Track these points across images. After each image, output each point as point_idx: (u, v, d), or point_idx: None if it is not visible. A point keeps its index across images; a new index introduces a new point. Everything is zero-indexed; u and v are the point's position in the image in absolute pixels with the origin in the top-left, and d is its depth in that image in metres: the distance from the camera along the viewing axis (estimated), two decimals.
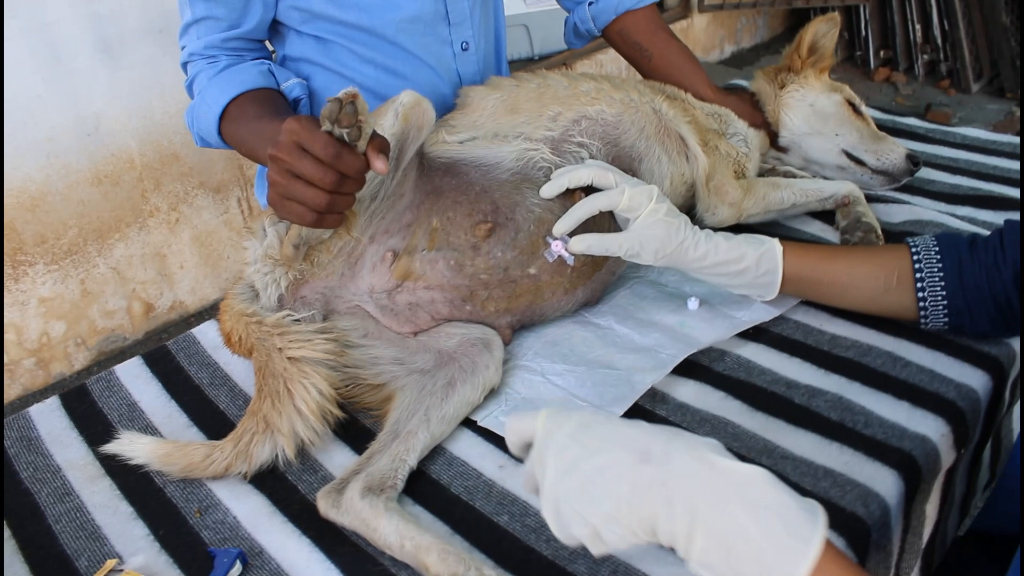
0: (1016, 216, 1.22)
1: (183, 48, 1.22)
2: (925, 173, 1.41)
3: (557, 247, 1.04)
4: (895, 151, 1.34)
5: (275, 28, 1.25)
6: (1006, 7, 4.14)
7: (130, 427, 1.03)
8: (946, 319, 1.00)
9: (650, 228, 1.03)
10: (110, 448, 0.95)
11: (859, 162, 1.36)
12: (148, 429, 1.03)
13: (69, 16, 2.56)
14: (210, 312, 3.21)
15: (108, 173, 2.79)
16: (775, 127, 1.41)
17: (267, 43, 1.28)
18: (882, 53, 4.54)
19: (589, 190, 1.07)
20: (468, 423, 0.98)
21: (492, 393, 1.01)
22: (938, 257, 1.00)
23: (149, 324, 3.10)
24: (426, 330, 1.07)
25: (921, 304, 1.01)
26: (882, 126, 1.60)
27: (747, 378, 1.00)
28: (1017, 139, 1.53)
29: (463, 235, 1.05)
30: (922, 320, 1.02)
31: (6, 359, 2.77)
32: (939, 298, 1.00)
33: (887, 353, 1.02)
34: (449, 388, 0.98)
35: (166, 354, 1.15)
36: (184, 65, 1.22)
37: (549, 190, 1.07)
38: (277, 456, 0.93)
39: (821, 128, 1.38)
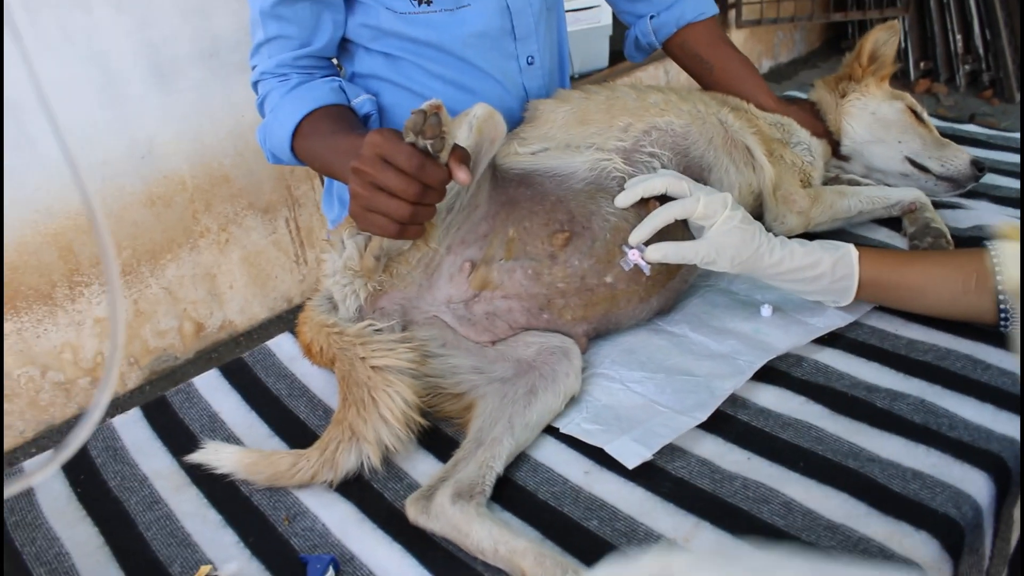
0: None
1: (253, 68, 1.24)
2: (989, 178, 1.40)
3: (634, 256, 1.05)
4: (959, 157, 1.34)
5: (344, 46, 1.28)
6: None
7: (213, 437, 1.05)
8: None
9: (726, 235, 1.03)
10: (195, 458, 0.97)
11: (923, 169, 1.35)
12: (230, 439, 1.04)
13: (124, 43, 2.63)
14: (259, 331, 3.25)
15: (160, 195, 2.84)
16: (837, 136, 1.41)
17: (335, 60, 1.30)
18: (922, 64, 4.51)
19: (663, 199, 1.08)
20: (550, 430, 0.99)
21: (572, 401, 1.01)
22: (1021, 256, 0.99)
23: (200, 343, 3.14)
24: (504, 339, 1.07)
25: (1002, 307, 1.00)
26: (944, 133, 1.60)
27: (827, 383, 1.00)
28: None
29: (540, 244, 1.06)
30: (1003, 324, 1.01)
31: (63, 378, 2.82)
32: (1020, 303, 0.99)
33: (966, 356, 1.01)
34: (531, 396, 0.98)
35: (243, 366, 1.17)
36: (255, 84, 1.25)
37: (624, 199, 1.07)
38: (362, 464, 0.94)
39: (884, 136, 1.38)
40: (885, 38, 1.42)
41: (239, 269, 3.13)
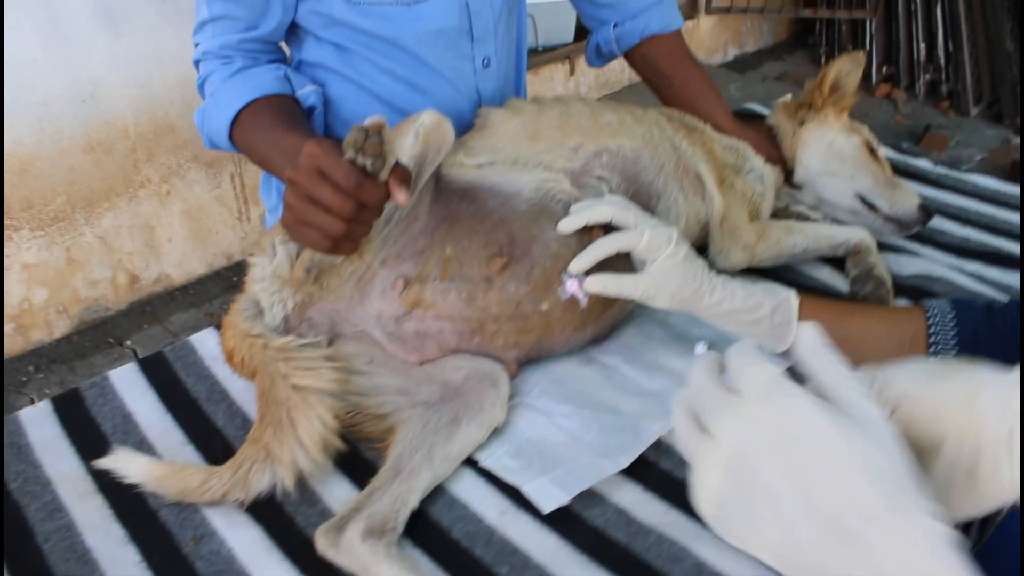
0: None
1: (196, 45, 1.18)
2: (936, 223, 1.40)
3: (572, 286, 1.02)
4: (909, 200, 1.33)
5: (293, 31, 1.22)
6: (1011, 34, 4.14)
7: (125, 440, 1.01)
8: None
9: (668, 272, 1.01)
10: (104, 463, 0.93)
11: (872, 207, 1.35)
12: (143, 444, 1.01)
13: None
14: (196, 287, 3.17)
15: (101, 141, 2.73)
16: (791, 164, 1.40)
17: (283, 45, 1.24)
18: (884, 69, 4.54)
19: (607, 228, 1.06)
20: (470, 461, 0.97)
21: (496, 431, 0.99)
22: (954, 323, 1.00)
23: (133, 295, 3.05)
24: (432, 360, 1.05)
25: None
26: (895, 167, 1.59)
27: None
28: None
29: (477, 267, 1.03)
30: None
31: None
32: None
33: None
34: (454, 426, 0.96)
35: (163, 362, 1.13)
36: (196, 63, 1.19)
37: (568, 225, 1.05)
38: (276, 486, 0.91)
39: (837, 169, 1.37)
40: (848, 69, 1.41)
41: (179, 222, 3.04)
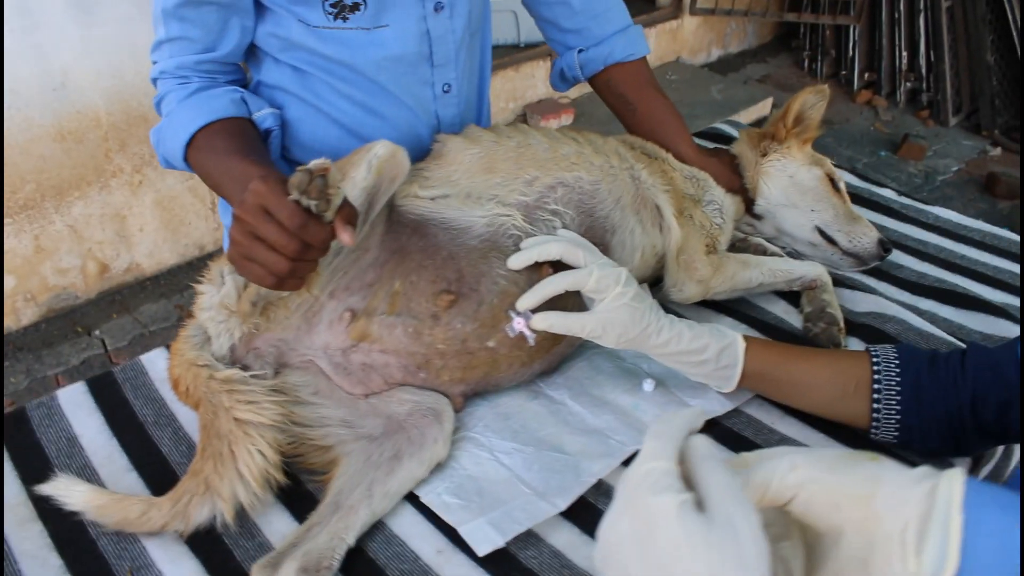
0: (978, 337, 1.23)
1: (154, 63, 1.17)
2: (895, 256, 1.42)
3: (519, 324, 1.03)
4: (868, 235, 1.34)
5: (252, 52, 1.21)
6: (992, 46, 4.16)
7: (68, 464, 1.01)
8: (896, 433, 1.02)
9: (615, 312, 1.02)
10: (45, 489, 0.93)
11: (831, 241, 1.36)
12: (86, 469, 1.01)
13: None
14: (167, 277, 3.16)
15: (72, 130, 2.71)
16: (752, 194, 1.40)
17: (243, 64, 1.23)
18: (867, 75, 4.56)
19: (557, 265, 1.06)
20: (411, 496, 0.98)
21: (438, 466, 1.00)
22: (898, 371, 1.01)
23: (103, 284, 3.04)
24: (378, 393, 1.05)
25: (875, 416, 1.02)
26: (857, 195, 1.61)
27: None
28: (984, 227, 1.54)
29: (424, 303, 1.03)
30: (873, 431, 1.03)
31: None
32: (893, 412, 1.01)
33: None
34: (395, 461, 0.97)
35: (112, 383, 1.13)
36: (154, 81, 1.18)
37: (517, 261, 1.05)
38: (215, 518, 0.92)
39: (798, 201, 1.38)
40: (813, 101, 1.41)
41: (151, 212, 3.02)
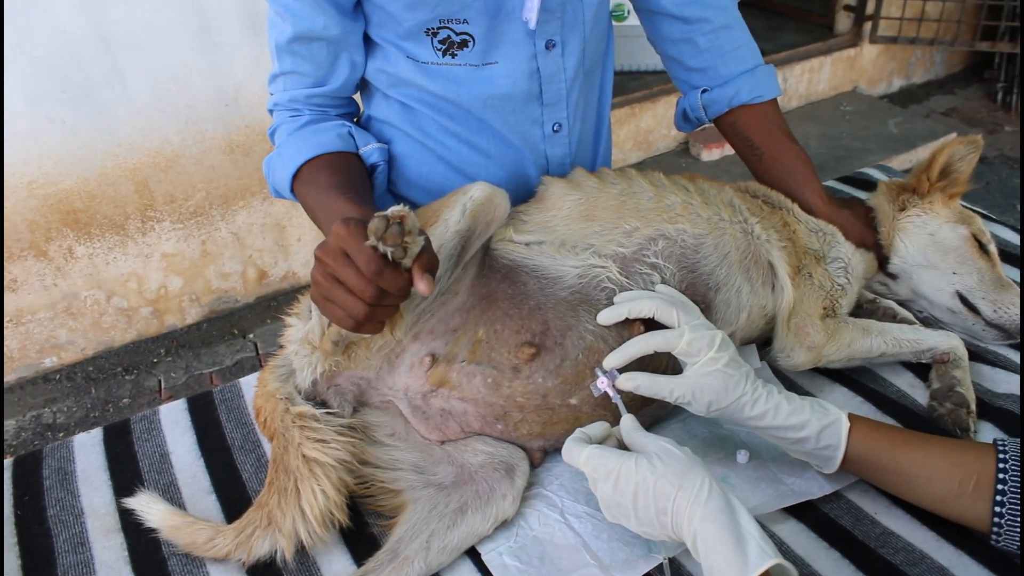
0: None
1: (271, 95, 1.21)
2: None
3: (603, 383, 0.98)
4: (1016, 305, 1.20)
5: (364, 86, 1.23)
6: None
7: (157, 480, 1.06)
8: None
9: (706, 378, 0.95)
10: (130, 502, 0.98)
11: (973, 309, 1.22)
12: (171, 487, 1.05)
13: None
14: None
15: (240, 143, 2.88)
16: (887, 251, 1.28)
17: (356, 97, 1.25)
18: None
19: (650, 323, 1.01)
20: (473, 551, 0.95)
21: (504, 523, 0.96)
22: None
23: (261, 290, 3.21)
24: (454, 440, 1.03)
25: (996, 520, 0.89)
26: (1014, 255, 1.44)
27: None
28: None
29: (506, 353, 1.00)
30: (994, 537, 0.90)
31: (127, 304, 2.93)
32: (1019, 518, 0.88)
33: (939, 568, 0.91)
34: (459, 514, 0.94)
35: (209, 403, 1.17)
36: (270, 111, 1.22)
37: (607, 317, 1.01)
38: (276, 552, 0.93)
39: (938, 262, 1.25)
40: (963, 153, 1.28)
41: (308, 224, 3.16)
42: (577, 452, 0.89)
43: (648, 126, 4.00)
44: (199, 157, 2.83)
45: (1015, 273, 1.38)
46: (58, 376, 2.89)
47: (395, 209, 0.81)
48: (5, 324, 2.72)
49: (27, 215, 2.61)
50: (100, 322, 2.91)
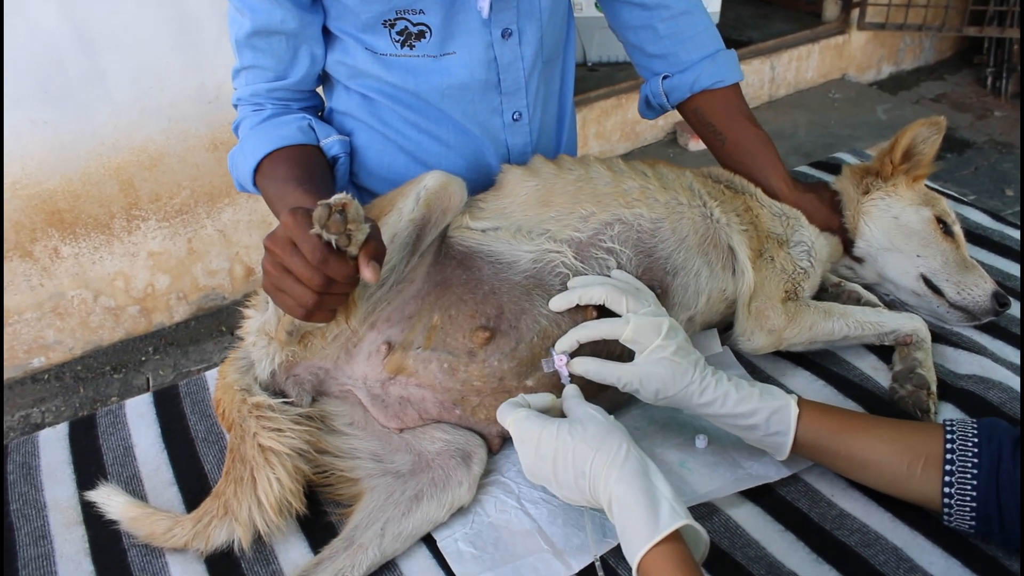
0: None
1: (235, 89, 1.21)
2: (1014, 311, 1.25)
3: (558, 362, 0.99)
4: (980, 287, 1.20)
5: (325, 78, 1.23)
6: None
7: (120, 473, 1.06)
8: (973, 522, 0.89)
9: (654, 365, 0.96)
10: (92, 495, 0.98)
11: (937, 291, 1.22)
12: (134, 479, 1.05)
13: None
14: None
15: (224, 140, 2.88)
16: (852, 235, 1.28)
17: (319, 90, 1.26)
18: None
19: (604, 307, 1.01)
20: (429, 538, 0.95)
21: (461, 510, 0.97)
22: (975, 450, 0.89)
23: (249, 287, 3.21)
24: (412, 428, 1.04)
25: (946, 500, 0.90)
26: (984, 238, 1.44)
27: (729, 549, 0.92)
28: None
29: (461, 338, 1.01)
30: (946, 517, 0.91)
31: (114, 304, 2.94)
32: (968, 498, 0.88)
33: (893, 549, 0.91)
34: (415, 502, 0.95)
35: (175, 396, 1.17)
36: (234, 106, 1.22)
37: (558, 303, 1.01)
38: (234, 541, 0.93)
39: (902, 245, 1.25)
40: (926, 135, 1.28)
41: None
42: (507, 413, 0.91)
43: (635, 117, 4.00)
44: (183, 155, 2.83)
45: (1003, 263, 1.38)
46: (47, 376, 2.90)
47: (338, 197, 0.82)
48: None
49: (11, 216, 2.61)
50: (88, 321, 2.92)
